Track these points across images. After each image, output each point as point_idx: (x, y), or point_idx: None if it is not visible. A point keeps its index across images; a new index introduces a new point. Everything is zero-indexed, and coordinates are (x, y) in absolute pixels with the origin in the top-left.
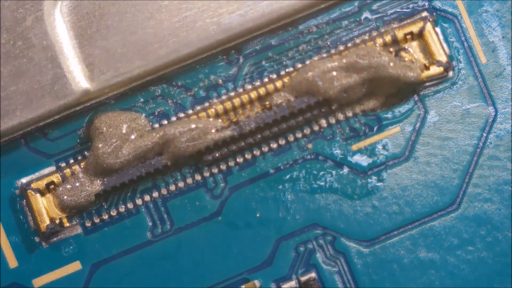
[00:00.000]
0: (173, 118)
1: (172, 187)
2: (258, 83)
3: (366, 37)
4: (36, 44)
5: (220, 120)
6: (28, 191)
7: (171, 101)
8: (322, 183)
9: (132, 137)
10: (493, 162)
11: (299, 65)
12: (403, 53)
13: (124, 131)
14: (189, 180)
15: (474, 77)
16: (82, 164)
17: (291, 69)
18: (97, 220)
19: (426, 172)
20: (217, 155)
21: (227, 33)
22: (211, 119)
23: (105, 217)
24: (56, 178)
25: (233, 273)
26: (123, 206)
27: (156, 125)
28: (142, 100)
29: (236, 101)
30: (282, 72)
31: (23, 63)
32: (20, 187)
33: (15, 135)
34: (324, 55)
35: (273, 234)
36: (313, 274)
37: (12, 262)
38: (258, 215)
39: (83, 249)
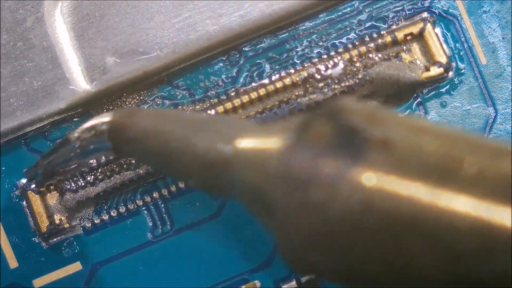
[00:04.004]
0: None
1: (173, 188)
2: (258, 84)
3: (367, 38)
4: (37, 45)
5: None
6: (28, 191)
7: (171, 102)
8: None
9: None
10: None
11: (300, 66)
12: (403, 54)
13: None
14: None
15: (474, 78)
16: None
17: (291, 70)
18: (97, 221)
19: None
20: None
21: (228, 33)
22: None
23: (106, 217)
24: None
25: (233, 274)
26: (123, 207)
27: None
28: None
29: (237, 102)
30: (283, 73)
31: (23, 64)
32: (20, 187)
33: (15, 136)
34: (324, 56)
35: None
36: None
37: (12, 262)
38: None
39: (83, 250)
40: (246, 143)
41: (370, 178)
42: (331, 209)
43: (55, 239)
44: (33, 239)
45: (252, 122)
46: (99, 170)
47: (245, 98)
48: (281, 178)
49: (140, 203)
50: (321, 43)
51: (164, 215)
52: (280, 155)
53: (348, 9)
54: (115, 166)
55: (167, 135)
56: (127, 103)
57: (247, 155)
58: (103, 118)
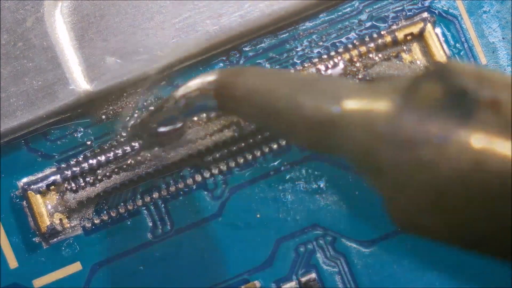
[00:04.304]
0: None
1: (173, 188)
2: None
3: (367, 38)
4: (37, 45)
5: (220, 121)
6: (29, 191)
7: None
8: (322, 184)
9: None
10: None
11: (300, 66)
12: (403, 54)
13: None
14: (190, 181)
15: None
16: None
17: (291, 70)
18: (97, 221)
19: None
20: (217, 155)
21: (228, 34)
22: (211, 120)
23: (106, 217)
24: (56, 178)
25: (233, 274)
26: (123, 207)
27: None
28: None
29: None
30: None
31: (23, 64)
32: (20, 187)
33: (16, 136)
34: (325, 56)
35: (274, 235)
36: (313, 275)
37: (12, 262)
38: (258, 215)
39: (83, 250)
40: (353, 103)
41: (480, 140)
42: (441, 169)
43: (55, 239)
44: (33, 239)
45: (358, 82)
46: (99, 171)
47: None
48: (390, 139)
49: (140, 203)
50: (321, 43)
51: (164, 215)
52: (388, 116)
53: (348, 9)
54: (115, 166)
55: (273, 94)
56: (127, 103)
57: (355, 116)
58: (209, 77)
